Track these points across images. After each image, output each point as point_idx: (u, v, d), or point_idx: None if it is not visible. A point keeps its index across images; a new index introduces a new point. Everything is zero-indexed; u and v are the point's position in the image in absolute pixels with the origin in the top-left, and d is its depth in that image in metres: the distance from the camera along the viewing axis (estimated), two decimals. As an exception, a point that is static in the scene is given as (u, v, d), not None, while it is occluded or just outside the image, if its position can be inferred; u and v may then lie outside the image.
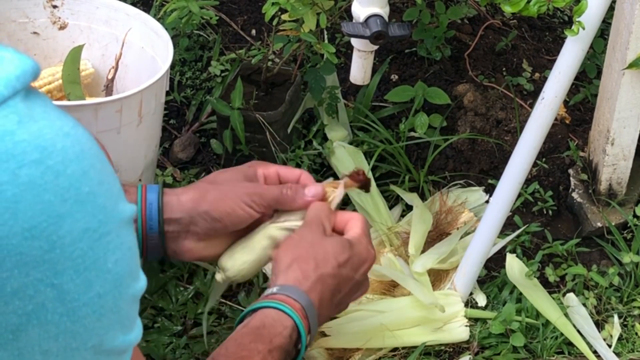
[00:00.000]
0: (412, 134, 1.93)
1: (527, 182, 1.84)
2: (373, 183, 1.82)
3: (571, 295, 1.68)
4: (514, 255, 1.71)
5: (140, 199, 1.23)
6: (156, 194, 1.23)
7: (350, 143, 1.89)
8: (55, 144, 0.68)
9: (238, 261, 1.29)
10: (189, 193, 1.25)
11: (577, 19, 1.36)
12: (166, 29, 1.67)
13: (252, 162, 1.34)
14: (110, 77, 1.73)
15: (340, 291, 1.23)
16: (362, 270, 1.25)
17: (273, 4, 1.60)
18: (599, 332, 1.64)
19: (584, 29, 1.37)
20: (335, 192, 1.32)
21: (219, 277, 1.31)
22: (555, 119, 1.70)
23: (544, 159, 1.89)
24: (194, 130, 1.98)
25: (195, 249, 1.27)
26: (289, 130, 1.85)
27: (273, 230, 1.29)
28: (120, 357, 0.78)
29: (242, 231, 1.30)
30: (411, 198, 1.81)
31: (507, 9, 1.37)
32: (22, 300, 0.68)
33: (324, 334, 1.58)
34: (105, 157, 0.75)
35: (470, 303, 1.66)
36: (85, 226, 0.70)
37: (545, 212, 1.84)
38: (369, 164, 1.84)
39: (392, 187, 1.85)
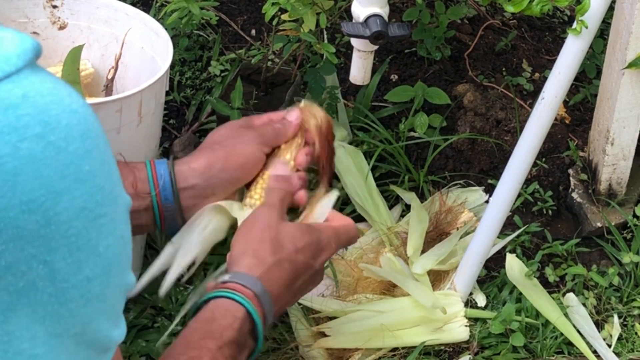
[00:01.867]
0: (412, 134, 1.93)
1: (527, 182, 1.84)
2: (372, 183, 1.82)
3: (571, 295, 1.68)
4: (514, 255, 1.71)
5: (151, 172, 1.24)
6: (165, 166, 1.25)
7: (350, 143, 1.89)
8: (60, 121, 0.69)
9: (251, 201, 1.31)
10: (198, 159, 1.27)
11: (579, 18, 1.36)
12: (166, 29, 1.67)
13: (244, 117, 1.38)
14: (110, 77, 1.73)
15: (298, 278, 1.20)
16: (320, 259, 1.23)
17: (273, 4, 1.60)
18: (599, 332, 1.64)
19: (587, 27, 1.37)
20: (295, 149, 1.34)
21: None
22: (555, 119, 1.70)
23: (544, 159, 1.89)
24: (194, 130, 1.98)
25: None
26: (288, 130, 1.85)
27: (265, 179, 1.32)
28: (103, 355, 0.77)
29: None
30: (410, 197, 1.81)
31: (510, 9, 1.37)
32: (14, 276, 0.68)
33: (323, 334, 1.58)
34: (108, 142, 0.75)
35: (470, 303, 1.66)
36: (82, 205, 0.70)
37: (545, 212, 1.84)
38: (369, 164, 1.84)
39: (392, 186, 1.85)
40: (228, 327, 1.08)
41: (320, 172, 1.38)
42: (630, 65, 1.63)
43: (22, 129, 0.67)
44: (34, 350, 0.71)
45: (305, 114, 1.39)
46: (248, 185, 1.33)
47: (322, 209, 1.31)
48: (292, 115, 1.36)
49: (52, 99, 0.69)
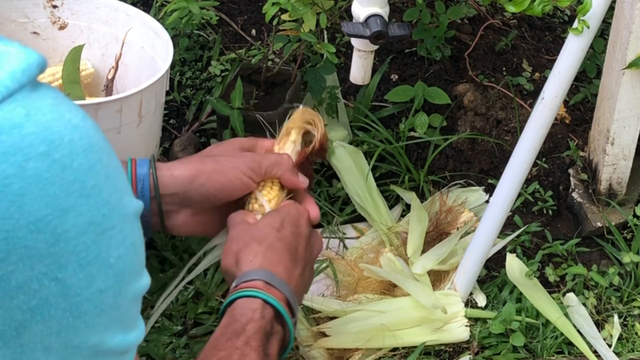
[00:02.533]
0: (412, 133, 1.93)
1: (527, 182, 1.84)
2: (373, 183, 1.82)
3: (571, 295, 1.68)
4: (514, 255, 1.71)
5: (130, 174, 1.21)
6: (147, 169, 1.21)
7: (350, 143, 1.89)
8: (63, 137, 0.69)
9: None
10: (182, 168, 1.23)
11: (581, 18, 1.36)
12: (166, 28, 1.67)
13: (250, 137, 1.35)
14: (110, 77, 1.73)
15: (296, 248, 1.19)
16: (302, 224, 1.22)
17: (273, 4, 1.60)
18: (599, 331, 1.64)
19: (588, 27, 1.37)
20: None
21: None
22: (555, 119, 1.70)
23: (544, 159, 1.89)
24: (194, 130, 1.98)
25: (189, 223, 1.26)
26: (289, 130, 1.85)
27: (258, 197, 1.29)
28: (121, 357, 0.78)
29: (234, 204, 1.28)
30: (410, 197, 1.81)
31: (511, 9, 1.37)
32: (26, 295, 0.68)
33: (324, 334, 1.58)
34: (113, 151, 0.75)
35: (470, 303, 1.66)
36: (89, 220, 0.70)
37: (545, 212, 1.84)
38: (369, 164, 1.84)
39: (392, 186, 1.85)
40: (248, 321, 1.08)
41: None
42: (630, 66, 1.63)
43: (27, 149, 0.67)
44: (48, 358, 0.71)
45: (302, 118, 1.36)
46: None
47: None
48: (302, 179, 1.31)
49: (53, 115, 0.69)
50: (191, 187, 1.22)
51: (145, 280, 0.79)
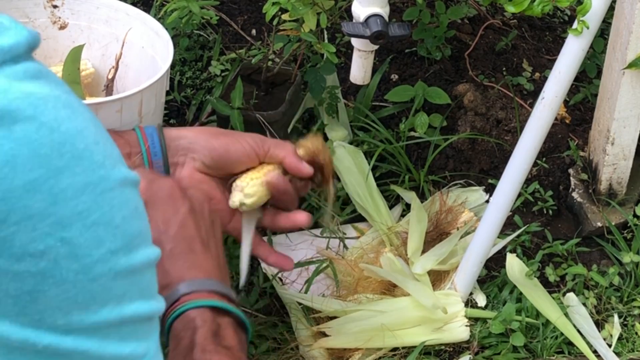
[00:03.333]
0: (412, 133, 1.93)
1: (527, 181, 1.84)
2: (373, 183, 1.82)
3: (571, 295, 1.68)
4: (514, 255, 1.71)
5: (140, 133, 1.28)
6: (154, 127, 1.29)
7: (351, 143, 1.89)
8: (47, 103, 0.70)
9: (251, 183, 1.30)
10: (191, 129, 1.31)
11: (580, 18, 1.36)
12: (166, 28, 1.67)
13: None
14: (110, 77, 1.73)
15: (201, 238, 1.17)
16: (176, 201, 1.19)
17: (273, 3, 1.60)
18: (599, 331, 1.64)
19: (588, 28, 1.37)
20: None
21: (236, 197, 1.30)
22: (556, 119, 1.70)
23: (544, 159, 1.89)
24: (194, 130, 1.98)
25: (193, 178, 1.29)
26: (289, 130, 1.85)
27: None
28: (145, 325, 0.78)
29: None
30: (410, 196, 1.81)
31: (511, 9, 1.37)
32: (33, 257, 0.69)
33: (324, 334, 1.58)
34: (102, 125, 0.76)
35: (470, 303, 1.66)
36: (86, 180, 0.71)
37: (545, 212, 1.84)
38: (369, 164, 1.84)
39: (392, 186, 1.85)
40: (193, 333, 1.07)
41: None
42: (630, 66, 1.63)
43: (15, 112, 0.68)
44: (70, 325, 0.72)
45: (311, 147, 1.36)
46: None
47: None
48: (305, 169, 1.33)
49: (37, 84, 0.71)
50: (196, 139, 1.28)
51: (156, 249, 0.79)
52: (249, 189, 1.30)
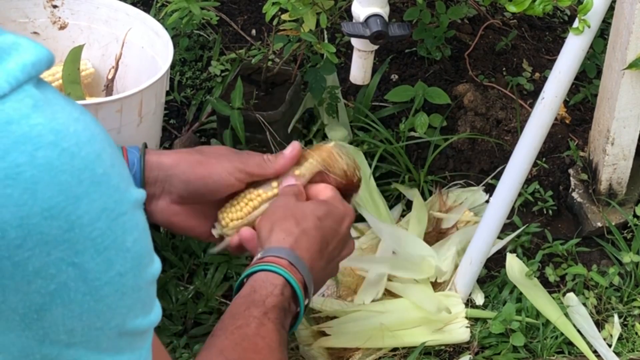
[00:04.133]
0: (412, 133, 1.93)
1: (527, 182, 1.84)
2: (373, 183, 1.82)
3: (571, 295, 1.68)
4: (514, 255, 1.71)
5: (121, 153, 1.24)
6: (138, 154, 1.24)
7: (351, 143, 1.89)
8: (68, 128, 0.71)
9: (233, 216, 1.30)
10: (170, 155, 1.27)
11: (582, 17, 1.36)
12: (166, 28, 1.67)
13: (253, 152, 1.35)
14: (110, 77, 1.73)
15: (328, 243, 1.23)
16: (344, 225, 1.26)
17: (273, 3, 1.60)
18: (599, 331, 1.64)
19: (589, 27, 1.37)
20: (306, 168, 1.33)
21: (215, 231, 1.32)
22: (555, 119, 1.70)
23: (544, 159, 1.89)
24: (194, 130, 1.98)
25: (168, 210, 1.27)
26: (289, 130, 1.85)
27: (254, 195, 1.31)
28: (142, 337, 0.80)
29: (217, 204, 1.30)
30: (412, 194, 1.81)
31: (512, 9, 1.37)
32: (44, 280, 0.70)
33: (324, 334, 1.58)
34: (114, 143, 0.77)
35: (470, 303, 1.66)
36: (102, 206, 0.72)
37: (545, 212, 1.84)
38: (370, 164, 1.84)
39: (394, 184, 1.85)
40: (269, 294, 1.12)
41: None
42: (630, 66, 1.63)
43: (37, 138, 0.68)
44: (71, 340, 0.73)
45: (330, 156, 1.35)
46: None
47: None
48: (289, 148, 1.33)
49: (57, 107, 0.71)
50: (173, 172, 1.25)
51: (157, 264, 0.81)
52: (228, 230, 1.31)
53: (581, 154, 1.89)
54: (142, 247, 0.77)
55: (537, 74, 2.11)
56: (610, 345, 1.62)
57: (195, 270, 1.67)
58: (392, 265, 1.65)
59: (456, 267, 1.68)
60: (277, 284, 1.13)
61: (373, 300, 1.64)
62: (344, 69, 2.04)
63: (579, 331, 1.63)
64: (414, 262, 1.66)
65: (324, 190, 1.30)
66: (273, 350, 1.08)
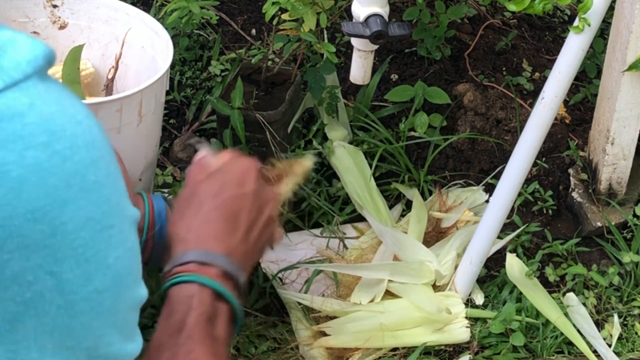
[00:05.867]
0: (412, 133, 1.93)
1: (527, 181, 1.84)
2: (373, 182, 1.82)
3: (571, 294, 1.68)
4: (514, 254, 1.71)
5: (147, 205, 1.21)
6: (164, 202, 1.20)
7: (351, 143, 1.89)
8: (65, 130, 0.68)
9: None
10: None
11: (582, 16, 1.36)
12: (166, 28, 1.67)
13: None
14: (110, 76, 1.73)
15: (236, 213, 1.11)
16: (248, 180, 1.14)
17: (273, 3, 1.60)
18: (599, 331, 1.64)
19: (589, 25, 1.37)
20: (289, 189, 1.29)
21: None
22: (555, 119, 1.70)
23: (544, 159, 1.89)
24: (194, 130, 1.98)
25: None
26: (289, 130, 1.85)
27: None
28: None
29: None
30: (412, 193, 1.81)
31: (512, 8, 1.37)
32: (20, 287, 0.67)
33: (324, 334, 1.58)
34: (115, 155, 0.75)
35: (470, 302, 1.66)
36: (89, 215, 0.69)
37: (545, 212, 1.84)
38: (369, 164, 1.84)
39: (394, 184, 1.85)
40: (187, 310, 1.02)
41: None
42: (630, 68, 1.63)
43: (28, 137, 0.66)
44: (42, 356, 0.70)
45: (306, 172, 1.33)
46: None
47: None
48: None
49: (57, 108, 0.69)
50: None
51: (143, 291, 0.77)
52: None
53: (581, 153, 1.89)
54: (125, 267, 0.73)
55: (537, 74, 2.11)
56: (610, 345, 1.62)
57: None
58: (392, 271, 1.65)
59: (456, 267, 1.68)
60: (193, 293, 1.03)
61: (371, 302, 1.64)
62: (344, 69, 2.04)
63: (578, 331, 1.63)
64: (413, 268, 1.65)
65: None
66: None
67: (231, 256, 1.09)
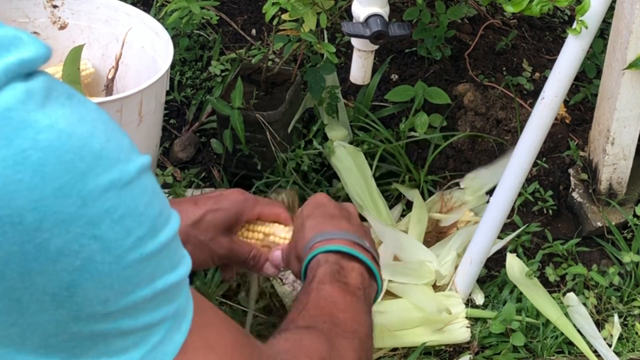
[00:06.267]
0: (413, 133, 1.93)
1: (527, 181, 1.84)
2: (373, 183, 1.82)
3: (571, 294, 1.68)
4: (514, 255, 1.71)
5: None
6: None
7: (351, 143, 1.89)
8: (57, 111, 0.73)
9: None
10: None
11: (579, 18, 1.36)
12: (166, 28, 1.67)
13: (238, 199, 1.34)
14: (110, 76, 1.73)
15: (332, 215, 1.27)
16: (326, 202, 1.30)
17: (273, 3, 1.60)
18: (599, 331, 1.64)
19: (586, 27, 1.37)
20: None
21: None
22: (556, 119, 1.70)
23: (544, 159, 1.89)
24: (194, 130, 1.98)
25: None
26: (289, 130, 1.85)
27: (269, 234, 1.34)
28: (177, 289, 0.81)
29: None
30: (413, 194, 1.81)
31: (510, 9, 1.37)
32: (69, 257, 0.72)
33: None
34: (111, 119, 0.79)
35: (470, 302, 1.66)
36: (108, 177, 0.74)
37: (545, 212, 1.84)
38: (370, 164, 1.84)
39: (394, 184, 1.85)
40: (316, 269, 1.17)
41: None
42: (630, 66, 1.63)
43: (35, 123, 0.70)
44: (107, 310, 0.75)
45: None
46: None
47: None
48: (274, 260, 1.34)
49: (45, 93, 0.73)
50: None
51: (175, 219, 0.82)
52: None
53: (581, 153, 1.89)
54: (155, 209, 0.78)
55: (537, 74, 2.11)
56: (610, 345, 1.62)
57: (195, 271, 1.67)
58: (392, 271, 1.65)
59: (456, 268, 1.68)
60: (319, 259, 1.18)
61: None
62: (344, 69, 2.04)
63: (579, 331, 1.63)
64: (413, 268, 1.65)
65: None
66: (336, 300, 1.12)
67: (347, 230, 1.23)
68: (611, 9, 1.59)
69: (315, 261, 1.19)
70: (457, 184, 1.87)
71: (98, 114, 0.77)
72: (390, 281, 1.65)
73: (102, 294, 0.74)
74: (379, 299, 1.27)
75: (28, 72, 0.72)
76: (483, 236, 1.61)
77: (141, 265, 0.76)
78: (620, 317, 1.67)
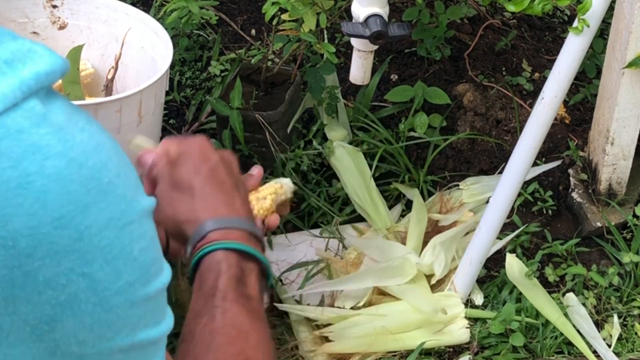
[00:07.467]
0: (412, 133, 1.93)
1: (527, 181, 1.84)
2: (372, 183, 1.82)
3: (571, 295, 1.68)
4: (514, 255, 1.71)
5: None
6: None
7: (350, 143, 1.89)
8: (75, 137, 0.71)
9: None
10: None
11: (581, 17, 1.36)
12: (166, 28, 1.67)
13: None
14: (109, 77, 1.73)
15: (222, 181, 1.17)
16: (208, 153, 1.20)
17: (273, 3, 1.60)
18: (599, 331, 1.64)
19: (588, 26, 1.37)
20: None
21: None
22: (555, 119, 1.70)
23: (544, 159, 1.89)
24: (194, 130, 1.98)
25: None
26: (288, 130, 1.85)
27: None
28: (155, 346, 0.80)
29: None
30: (413, 193, 1.81)
31: (511, 8, 1.37)
32: (55, 290, 0.70)
33: (327, 339, 1.58)
34: (122, 150, 0.77)
35: (470, 303, 1.66)
36: (110, 215, 0.72)
37: (545, 212, 1.84)
38: (369, 165, 1.84)
39: (394, 184, 1.85)
40: (217, 276, 1.07)
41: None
42: (630, 65, 1.63)
43: (46, 148, 0.69)
44: (83, 352, 0.74)
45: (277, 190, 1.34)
46: None
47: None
48: (254, 169, 1.31)
49: (64, 117, 0.71)
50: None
51: (167, 272, 0.81)
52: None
53: (581, 154, 1.89)
54: (150, 257, 0.77)
55: (536, 74, 2.11)
56: (609, 346, 1.62)
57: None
58: (375, 277, 1.64)
59: (455, 267, 1.68)
60: (219, 259, 1.09)
61: (359, 307, 1.63)
62: (343, 69, 2.04)
63: (578, 331, 1.63)
64: (394, 267, 1.65)
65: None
66: (248, 332, 1.04)
67: (241, 215, 1.14)
68: (611, 9, 1.59)
69: (215, 262, 1.09)
70: (457, 185, 1.87)
71: (113, 144, 0.75)
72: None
73: (80, 334, 0.73)
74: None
75: (45, 86, 0.71)
76: (483, 236, 1.61)
77: (125, 311, 0.74)
78: (619, 317, 1.67)
